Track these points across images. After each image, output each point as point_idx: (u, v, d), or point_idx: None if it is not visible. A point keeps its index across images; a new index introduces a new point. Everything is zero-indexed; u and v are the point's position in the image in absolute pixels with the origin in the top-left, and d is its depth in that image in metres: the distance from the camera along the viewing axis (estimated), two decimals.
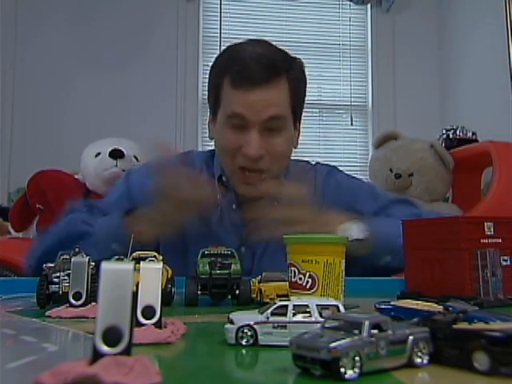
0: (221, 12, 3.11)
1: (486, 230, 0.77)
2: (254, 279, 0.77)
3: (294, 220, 0.97)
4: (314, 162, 1.30)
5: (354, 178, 1.27)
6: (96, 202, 1.23)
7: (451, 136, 2.51)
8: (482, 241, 0.76)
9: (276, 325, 0.46)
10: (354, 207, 1.15)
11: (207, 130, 1.22)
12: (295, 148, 1.20)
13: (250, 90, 1.06)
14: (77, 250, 0.71)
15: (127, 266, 0.34)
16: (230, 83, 1.08)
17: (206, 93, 1.19)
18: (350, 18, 3.32)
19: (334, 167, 1.29)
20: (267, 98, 1.07)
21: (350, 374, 0.35)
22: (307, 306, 0.47)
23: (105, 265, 0.33)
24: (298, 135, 1.21)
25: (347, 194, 1.19)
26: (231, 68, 1.08)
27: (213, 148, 1.26)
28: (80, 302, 0.64)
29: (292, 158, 1.27)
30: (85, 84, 2.93)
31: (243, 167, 1.09)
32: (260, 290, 0.73)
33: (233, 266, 0.74)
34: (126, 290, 0.33)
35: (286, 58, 1.12)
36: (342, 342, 0.36)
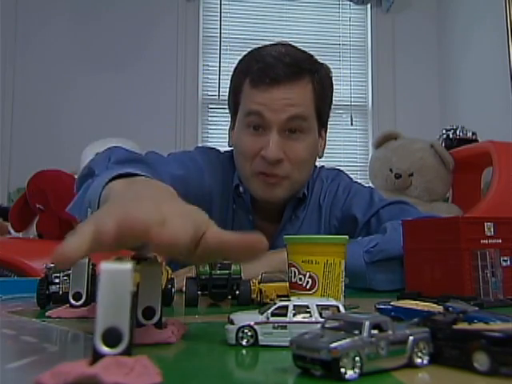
0: (221, 12, 3.12)
1: (486, 230, 0.77)
2: (254, 279, 0.77)
3: None
4: (319, 166, 1.26)
5: (356, 183, 1.24)
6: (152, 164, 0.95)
7: (451, 136, 2.51)
8: (482, 241, 0.76)
9: (276, 325, 0.46)
10: (349, 212, 1.16)
11: (223, 137, 1.17)
12: (320, 157, 1.16)
13: (270, 89, 1.01)
14: None
15: (126, 266, 0.34)
16: (250, 83, 1.04)
17: (226, 100, 1.16)
18: (350, 18, 3.33)
19: (340, 172, 1.26)
20: (288, 96, 1.01)
21: (350, 374, 0.35)
22: (307, 306, 0.47)
23: (104, 265, 0.33)
24: (324, 145, 1.16)
25: (344, 199, 1.18)
26: (251, 68, 1.04)
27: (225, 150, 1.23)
28: (80, 303, 0.64)
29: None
30: (85, 84, 2.93)
31: (262, 172, 1.04)
32: (260, 290, 0.73)
33: (233, 266, 0.74)
34: (125, 291, 0.33)
35: (310, 59, 1.08)
36: (343, 342, 0.35)
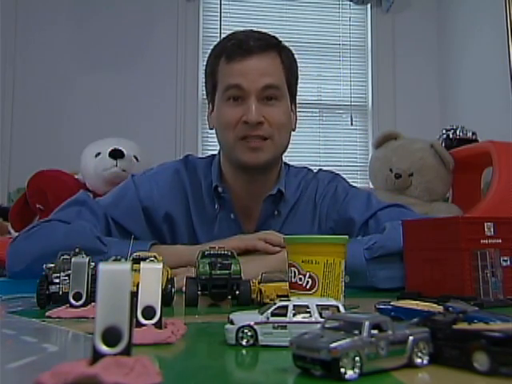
0: (221, 12, 3.12)
1: (486, 230, 0.77)
2: (254, 279, 0.77)
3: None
4: (316, 170, 1.30)
5: (353, 187, 1.27)
6: (107, 210, 1.15)
7: (451, 136, 2.51)
8: (482, 241, 0.76)
9: (276, 325, 0.46)
10: (346, 213, 1.18)
11: (207, 126, 1.23)
12: (294, 130, 1.22)
13: (244, 60, 1.10)
14: (77, 250, 0.71)
15: (124, 266, 0.34)
16: (226, 59, 1.12)
17: (205, 90, 1.22)
18: (350, 17, 3.32)
19: (337, 175, 1.29)
20: (262, 67, 1.11)
21: (350, 374, 0.35)
22: (307, 306, 0.47)
23: (102, 266, 0.34)
24: (296, 119, 1.23)
25: (341, 201, 1.20)
26: (225, 46, 1.13)
27: (211, 154, 1.28)
28: (80, 303, 0.64)
29: (294, 165, 1.29)
30: (85, 84, 2.93)
31: (245, 136, 1.10)
32: (260, 290, 0.73)
33: (233, 266, 0.74)
34: (124, 290, 0.33)
35: (276, 39, 1.18)
36: (342, 342, 0.35)
